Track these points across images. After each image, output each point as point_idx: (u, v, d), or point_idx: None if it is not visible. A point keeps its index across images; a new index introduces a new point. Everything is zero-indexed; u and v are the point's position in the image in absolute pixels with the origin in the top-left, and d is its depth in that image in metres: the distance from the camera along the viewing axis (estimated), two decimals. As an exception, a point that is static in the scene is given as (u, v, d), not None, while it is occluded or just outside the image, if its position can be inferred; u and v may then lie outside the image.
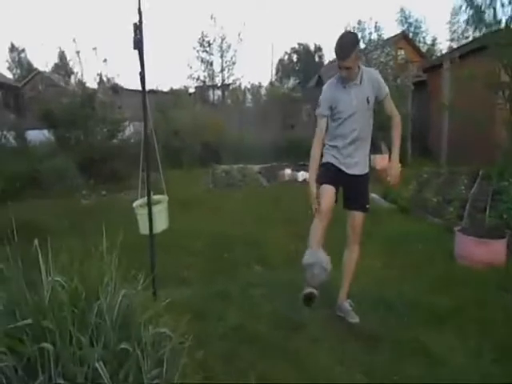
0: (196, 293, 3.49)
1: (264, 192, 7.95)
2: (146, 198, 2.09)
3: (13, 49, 30.93)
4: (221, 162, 10.73)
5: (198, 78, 16.67)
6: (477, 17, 2.85)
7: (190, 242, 5.09)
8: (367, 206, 2.97)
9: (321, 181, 2.84)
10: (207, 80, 15.26)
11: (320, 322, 2.85)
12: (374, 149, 9.58)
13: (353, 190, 2.93)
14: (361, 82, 2.82)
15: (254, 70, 57.86)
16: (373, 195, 6.54)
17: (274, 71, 33.58)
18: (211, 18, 15.73)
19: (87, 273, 1.45)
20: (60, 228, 5.07)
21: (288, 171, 8.85)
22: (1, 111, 18.07)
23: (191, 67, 15.76)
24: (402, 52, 22.97)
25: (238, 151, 10.91)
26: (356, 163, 2.89)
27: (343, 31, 3.43)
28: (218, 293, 3.44)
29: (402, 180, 7.38)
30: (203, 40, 15.71)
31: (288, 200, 6.75)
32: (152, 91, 18.29)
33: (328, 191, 2.79)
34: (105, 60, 10.54)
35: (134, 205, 2.14)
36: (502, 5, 2.80)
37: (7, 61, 30.28)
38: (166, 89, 18.34)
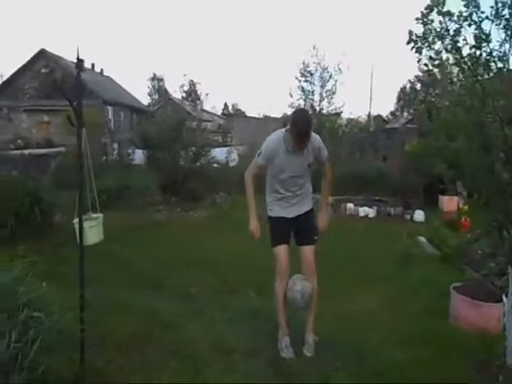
0: (177, 307, 3.84)
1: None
2: (85, 215, 2.57)
3: (154, 78, 36.29)
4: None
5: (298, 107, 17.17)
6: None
7: (221, 261, 5.47)
8: (315, 238, 3.09)
9: (273, 242, 3.03)
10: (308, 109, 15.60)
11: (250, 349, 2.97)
12: (446, 190, 8.80)
13: (300, 229, 3.09)
14: (304, 151, 2.90)
15: (356, 99, 56.47)
16: (421, 238, 6.12)
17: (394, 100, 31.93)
18: (313, 48, 16.10)
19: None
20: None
21: (351, 205, 8.71)
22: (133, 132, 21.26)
23: (292, 96, 16.37)
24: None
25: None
26: (298, 207, 3.06)
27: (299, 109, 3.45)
28: (192, 311, 3.76)
29: (468, 226, 6.68)
30: (305, 70, 16.21)
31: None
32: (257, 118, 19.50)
33: (282, 251, 2.99)
34: (207, 94, 12.01)
35: (74, 221, 2.65)
36: None
37: (148, 87, 35.96)
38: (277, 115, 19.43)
